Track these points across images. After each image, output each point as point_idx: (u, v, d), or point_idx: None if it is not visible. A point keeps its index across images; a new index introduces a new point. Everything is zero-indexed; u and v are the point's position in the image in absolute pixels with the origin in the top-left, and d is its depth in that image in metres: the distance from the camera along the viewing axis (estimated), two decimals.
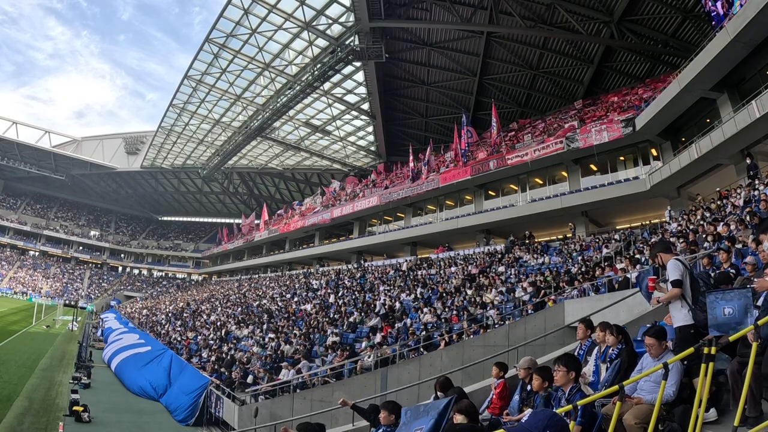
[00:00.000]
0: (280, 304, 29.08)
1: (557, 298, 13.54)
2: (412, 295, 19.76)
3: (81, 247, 74.66)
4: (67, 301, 54.92)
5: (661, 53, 28.46)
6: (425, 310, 16.33)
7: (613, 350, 5.04)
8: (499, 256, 21.99)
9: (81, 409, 14.33)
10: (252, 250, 56.57)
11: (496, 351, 10.53)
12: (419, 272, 24.57)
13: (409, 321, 16.39)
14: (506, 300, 15.24)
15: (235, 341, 23.37)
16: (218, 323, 28.79)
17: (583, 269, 15.22)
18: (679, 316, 4.26)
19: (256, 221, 55.66)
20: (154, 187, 72.66)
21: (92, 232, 76.61)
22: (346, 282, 28.68)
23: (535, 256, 19.89)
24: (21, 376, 19.02)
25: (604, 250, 16.78)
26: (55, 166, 67.59)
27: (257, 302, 32.38)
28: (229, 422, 12.68)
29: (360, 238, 38.44)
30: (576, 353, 5.60)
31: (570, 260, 17.64)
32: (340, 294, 25.69)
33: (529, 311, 13.55)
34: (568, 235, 23.89)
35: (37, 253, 71.43)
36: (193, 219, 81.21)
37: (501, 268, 19.56)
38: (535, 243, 23.11)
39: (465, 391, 5.89)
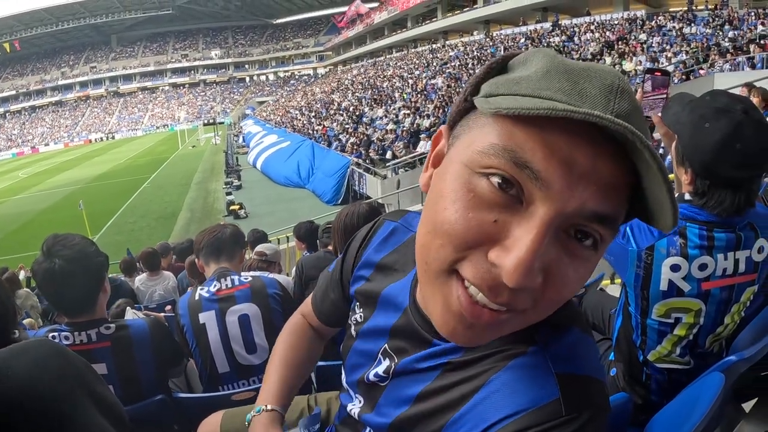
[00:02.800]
0: (409, 81, 28.39)
1: (708, 71, 13.33)
2: None
3: (205, 69, 78.63)
4: (205, 121, 59.01)
5: None
6: None
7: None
8: (640, 23, 19.75)
9: (237, 207, 16.06)
10: (373, 34, 54.23)
11: None
12: (553, 39, 22.67)
13: None
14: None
15: (368, 122, 23.55)
16: (350, 108, 28.47)
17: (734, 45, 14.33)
18: None
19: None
20: None
21: (213, 53, 79.63)
22: (476, 53, 27.31)
23: (680, 25, 17.61)
24: (179, 194, 21.52)
25: (760, 27, 14.98)
26: (158, 2, 68.84)
27: (386, 83, 31.75)
28: (372, 196, 13.79)
29: (486, 6, 33.56)
30: None
31: (720, 33, 15.91)
32: (469, 65, 24.69)
33: (675, 81, 13.08)
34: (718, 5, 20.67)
35: (167, 87, 76.97)
36: (307, 15, 78.69)
37: (642, 36, 17.79)
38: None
39: None
